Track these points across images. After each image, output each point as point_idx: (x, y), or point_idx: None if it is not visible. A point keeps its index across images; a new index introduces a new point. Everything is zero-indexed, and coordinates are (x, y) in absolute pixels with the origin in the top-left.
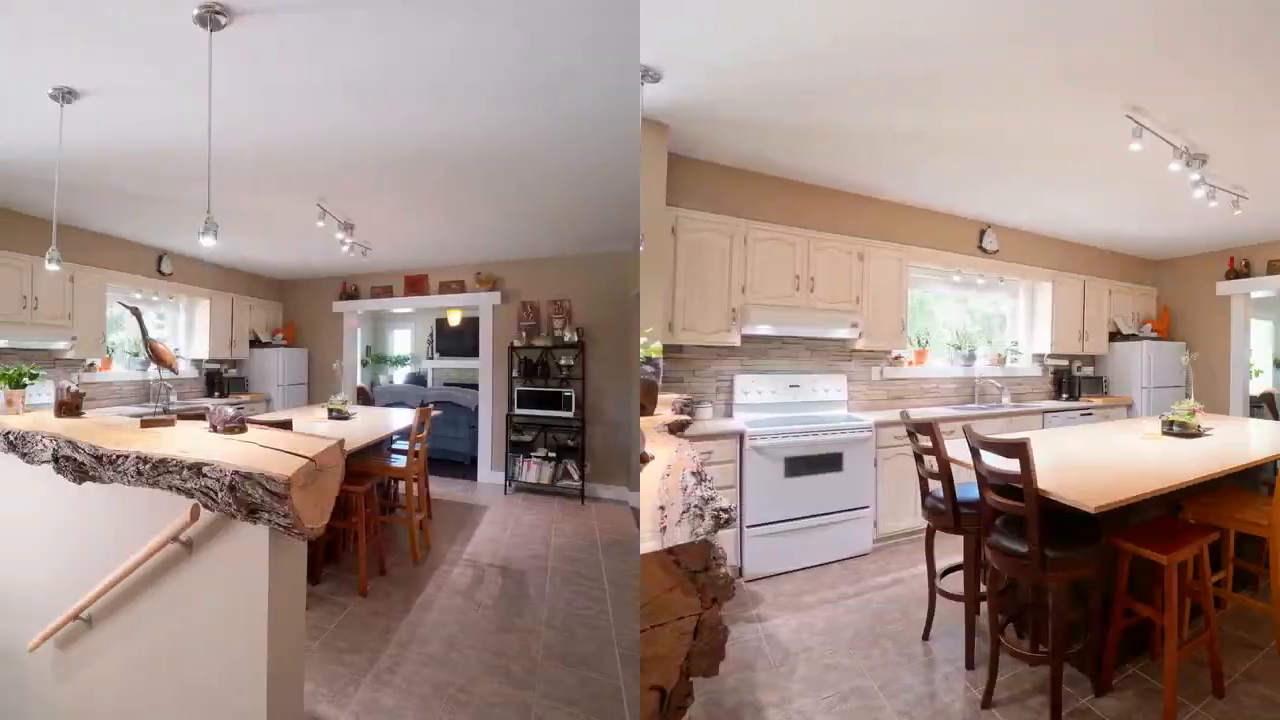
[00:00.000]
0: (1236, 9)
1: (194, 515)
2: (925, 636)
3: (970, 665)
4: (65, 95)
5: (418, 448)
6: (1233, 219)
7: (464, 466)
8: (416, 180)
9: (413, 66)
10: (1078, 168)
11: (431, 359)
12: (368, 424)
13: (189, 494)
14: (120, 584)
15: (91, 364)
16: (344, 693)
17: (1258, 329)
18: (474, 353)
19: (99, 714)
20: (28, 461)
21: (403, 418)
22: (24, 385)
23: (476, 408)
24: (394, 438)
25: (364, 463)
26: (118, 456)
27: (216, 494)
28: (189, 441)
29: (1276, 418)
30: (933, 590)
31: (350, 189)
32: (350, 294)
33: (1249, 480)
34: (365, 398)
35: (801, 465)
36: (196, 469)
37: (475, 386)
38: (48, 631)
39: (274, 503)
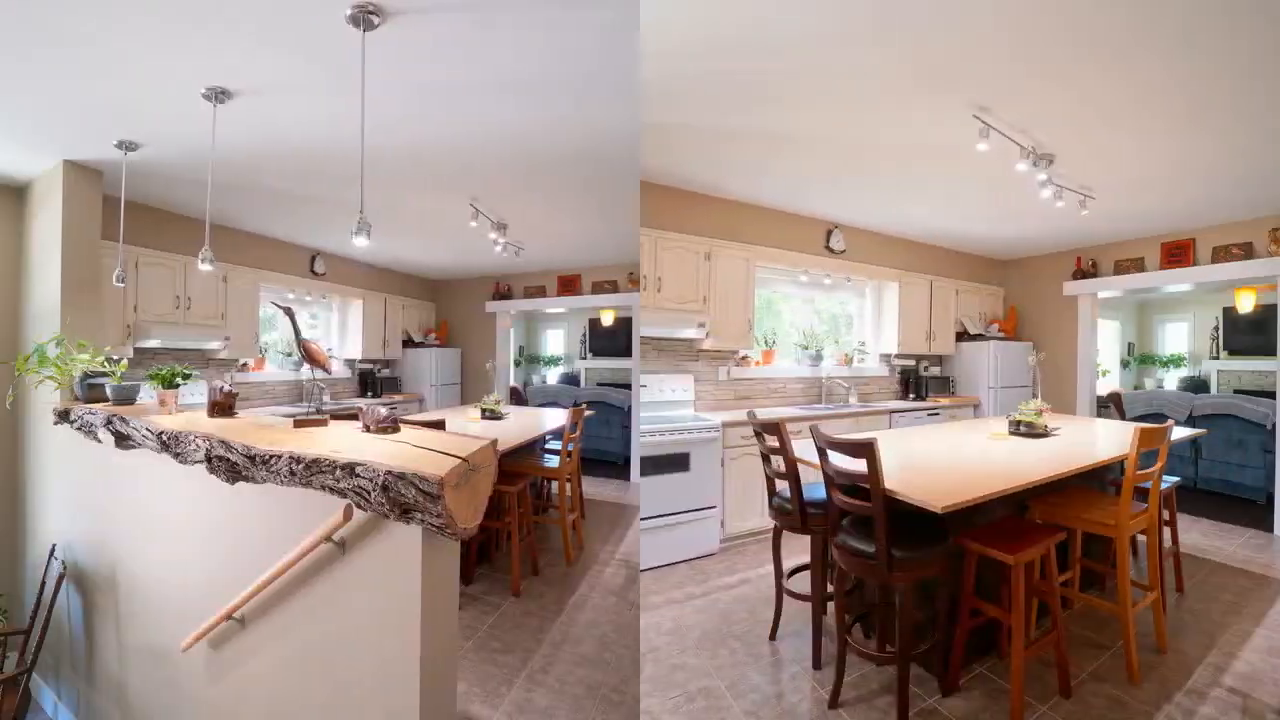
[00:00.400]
0: (1081, 9)
1: (347, 515)
2: (772, 636)
3: (817, 665)
4: (218, 95)
5: (571, 448)
6: (1080, 219)
7: (617, 467)
8: (568, 180)
9: (561, 66)
10: (925, 168)
11: (584, 359)
12: (521, 424)
13: (342, 494)
14: (273, 584)
15: (244, 364)
16: (497, 693)
17: (1105, 329)
18: (627, 352)
19: (251, 714)
20: (181, 461)
21: (556, 417)
22: (177, 385)
23: (629, 407)
24: (547, 438)
25: (517, 462)
26: (270, 456)
27: (370, 494)
28: (342, 441)
29: (1123, 418)
30: (780, 590)
31: (503, 189)
32: (503, 294)
33: (1096, 480)
34: (518, 397)
35: (648, 465)
36: (350, 469)
37: (628, 386)
38: (200, 631)
39: (427, 503)
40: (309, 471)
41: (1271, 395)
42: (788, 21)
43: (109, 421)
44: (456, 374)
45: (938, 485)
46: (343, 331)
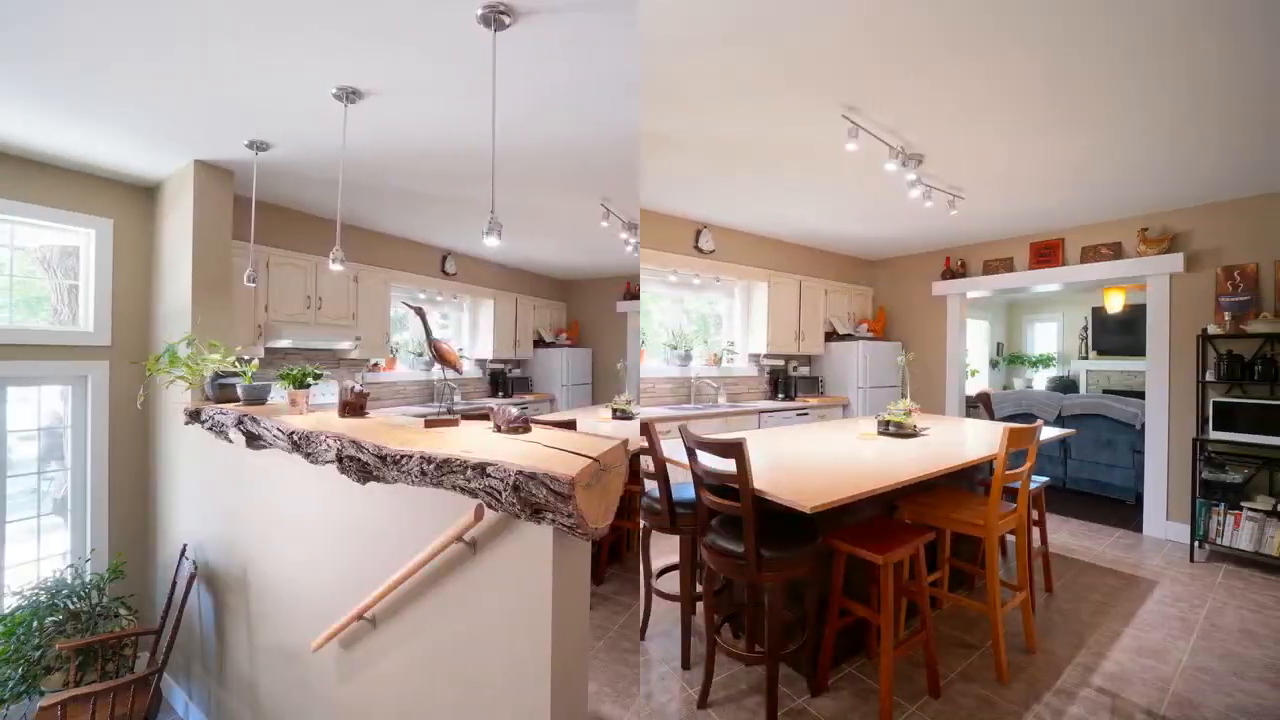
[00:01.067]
0: (947, 8)
1: (478, 515)
2: (641, 636)
3: (686, 665)
4: (349, 95)
5: None
6: (949, 219)
7: None
8: None
9: None
10: (795, 168)
11: None
12: None
13: (473, 494)
14: (404, 584)
15: (375, 364)
16: (628, 693)
17: (974, 328)
18: None
19: (382, 714)
20: (312, 462)
21: None
22: (308, 385)
23: None
24: None
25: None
26: (401, 456)
27: (500, 494)
28: (473, 441)
29: (992, 418)
30: (649, 590)
31: (634, 189)
32: (634, 294)
33: (965, 480)
34: None
35: None
36: (480, 469)
37: None
38: (331, 632)
39: (558, 503)
40: (440, 472)
41: (1140, 395)
42: (659, 21)
43: (240, 421)
44: (588, 374)
45: (807, 485)
46: (474, 331)
